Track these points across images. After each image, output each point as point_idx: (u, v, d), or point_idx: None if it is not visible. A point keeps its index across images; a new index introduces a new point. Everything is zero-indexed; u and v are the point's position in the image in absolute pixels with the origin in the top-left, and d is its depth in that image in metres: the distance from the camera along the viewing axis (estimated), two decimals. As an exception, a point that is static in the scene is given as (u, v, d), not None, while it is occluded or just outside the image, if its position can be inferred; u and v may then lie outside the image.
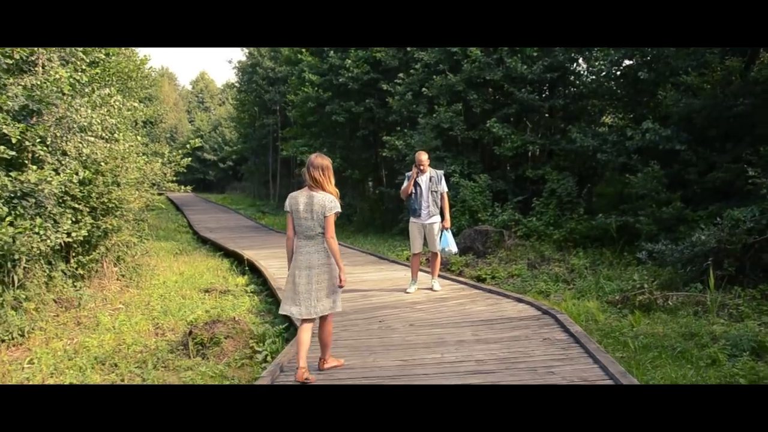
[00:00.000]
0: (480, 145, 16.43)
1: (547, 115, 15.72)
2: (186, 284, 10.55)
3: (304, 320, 4.90)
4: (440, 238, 8.07)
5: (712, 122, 10.88)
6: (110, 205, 9.59)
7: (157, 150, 13.77)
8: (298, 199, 4.85)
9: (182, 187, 12.46)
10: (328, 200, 4.78)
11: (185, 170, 12.01)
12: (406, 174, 8.28)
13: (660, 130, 10.83)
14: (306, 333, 4.87)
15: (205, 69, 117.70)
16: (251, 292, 9.85)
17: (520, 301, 7.37)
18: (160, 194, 14.07)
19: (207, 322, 6.99)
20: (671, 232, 10.15)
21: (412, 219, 8.24)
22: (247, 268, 11.82)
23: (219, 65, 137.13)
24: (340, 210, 4.87)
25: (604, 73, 13.69)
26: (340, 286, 4.91)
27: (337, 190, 4.94)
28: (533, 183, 14.79)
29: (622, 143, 11.80)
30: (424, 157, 8.09)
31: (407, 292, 8.16)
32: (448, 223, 8.15)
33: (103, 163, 9.04)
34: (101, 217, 9.40)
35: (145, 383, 5.47)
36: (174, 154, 11.77)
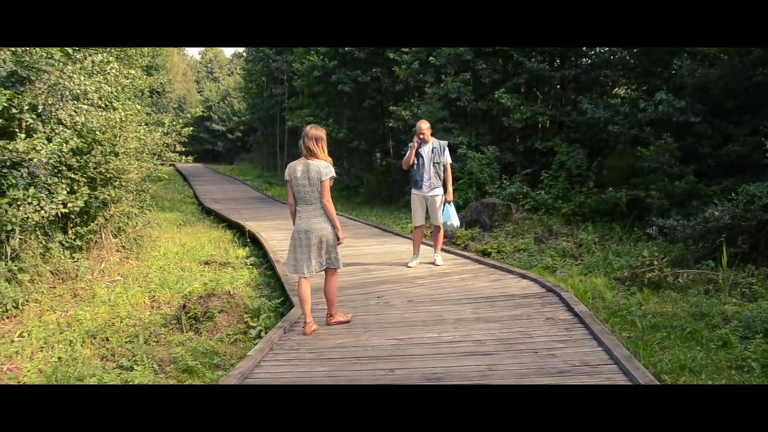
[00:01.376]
0: (489, 116, 16.09)
1: (558, 86, 15.30)
2: (186, 256, 10.39)
3: (302, 277, 5.32)
4: (443, 211, 7.82)
5: (729, 93, 10.48)
6: (108, 176, 9.39)
7: (160, 119, 13.53)
8: (296, 168, 5.23)
9: (183, 157, 12.20)
10: (323, 166, 5.16)
11: (187, 140, 11.75)
12: (410, 144, 8.01)
13: (674, 102, 10.45)
14: (304, 289, 5.31)
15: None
16: (251, 264, 9.67)
17: (524, 277, 7.11)
18: (167, 164, 13.84)
19: (201, 295, 6.81)
20: (683, 207, 9.86)
21: (413, 191, 7.99)
22: (248, 240, 11.64)
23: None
24: (334, 175, 5.24)
25: (616, 43, 13.27)
26: (339, 243, 5.32)
27: (330, 159, 5.30)
28: (542, 155, 14.46)
29: (634, 115, 11.43)
30: (425, 126, 7.79)
31: (408, 267, 7.94)
32: (450, 196, 7.88)
33: (99, 132, 8.81)
34: (100, 188, 9.21)
35: (128, 383, 5.22)
36: (174, 123, 11.51)
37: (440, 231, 8.12)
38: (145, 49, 16.05)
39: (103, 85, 8.89)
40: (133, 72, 9.96)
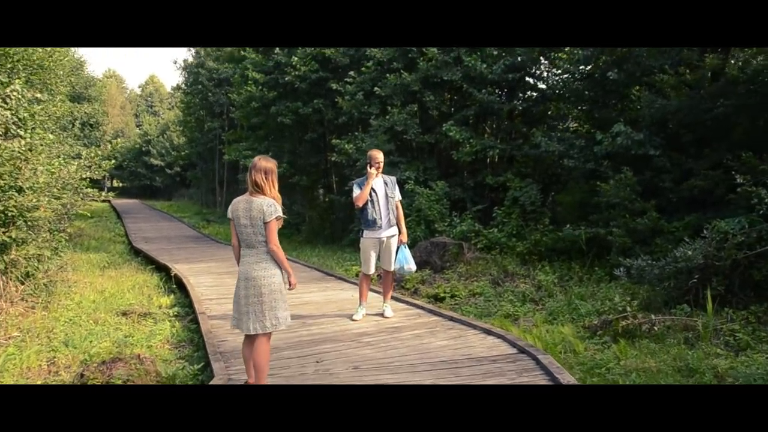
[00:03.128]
0: (436, 149, 15.41)
1: (506, 121, 14.76)
2: (104, 304, 9.12)
3: (246, 335, 4.61)
4: (396, 254, 6.90)
5: (687, 126, 10.02)
6: (10, 213, 8.16)
7: (79, 152, 12.27)
8: (238, 205, 4.53)
9: (103, 193, 11.00)
10: (266, 204, 4.39)
11: (107, 173, 10.58)
12: (356, 182, 7.03)
13: (632, 134, 9.91)
14: (246, 348, 4.64)
15: (154, 72, 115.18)
16: (174, 315, 8.49)
17: (489, 333, 6.10)
18: (93, 200, 12.55)
19: (105, 361, 5.64)
20: (646, 245, 9.25)
21: (366, 233, 6.83)
22: (175, 285, 10.44)
23: (169, 68, 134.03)
24: (281, 215, 4.47)
25: (567, 75, 12.78)
26: (290, 288, 4.58)
27: (280, 196, 4.59)
28: (493, 191, 13.81)
29: (590, 148, 10.86)
30: (381, 156, 6.85)
31: (353, 320, 6.89)
32: (405, 237, 6.96)
33: (-6, 164, 7.62)
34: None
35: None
36: (93, 155, 10.35)
37: (391, 277, 7.18)
38: (72, 77, 14.84)
39: (2, 110, 7.77)
40: (39, 96, 8.78)
